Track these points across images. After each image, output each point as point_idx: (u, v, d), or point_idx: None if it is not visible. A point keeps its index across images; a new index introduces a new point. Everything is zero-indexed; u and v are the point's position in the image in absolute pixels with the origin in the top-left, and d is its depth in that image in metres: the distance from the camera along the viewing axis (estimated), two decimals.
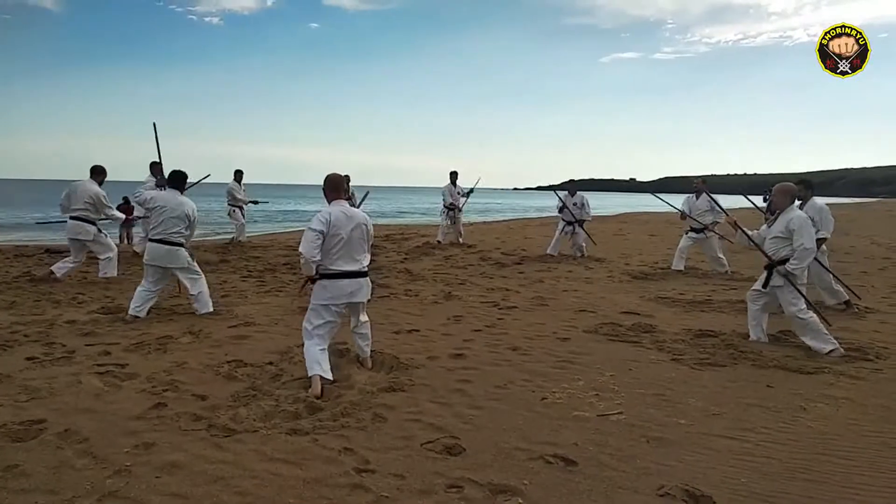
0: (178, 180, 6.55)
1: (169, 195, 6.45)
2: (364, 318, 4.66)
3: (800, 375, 4.76)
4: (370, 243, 4.55)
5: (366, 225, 4.44)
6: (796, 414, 3.97)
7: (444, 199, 14.33)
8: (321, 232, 4.25)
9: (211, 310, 6.58)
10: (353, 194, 13.06)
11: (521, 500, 2.84)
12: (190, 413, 3.76)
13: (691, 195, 10.36)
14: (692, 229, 10.23)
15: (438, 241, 14.26)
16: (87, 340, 5.41)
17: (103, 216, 8.57)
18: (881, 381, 4.67)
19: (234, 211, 13.71)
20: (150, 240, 6.37)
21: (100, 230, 8.55)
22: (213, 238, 16.68)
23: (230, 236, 13.84)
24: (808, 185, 7.22)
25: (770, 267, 5.56)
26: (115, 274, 8.64)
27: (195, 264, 6.62)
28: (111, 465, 3.07)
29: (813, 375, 4.75)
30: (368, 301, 4.62)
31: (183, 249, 6.43)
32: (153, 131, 7.58)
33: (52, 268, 8.40)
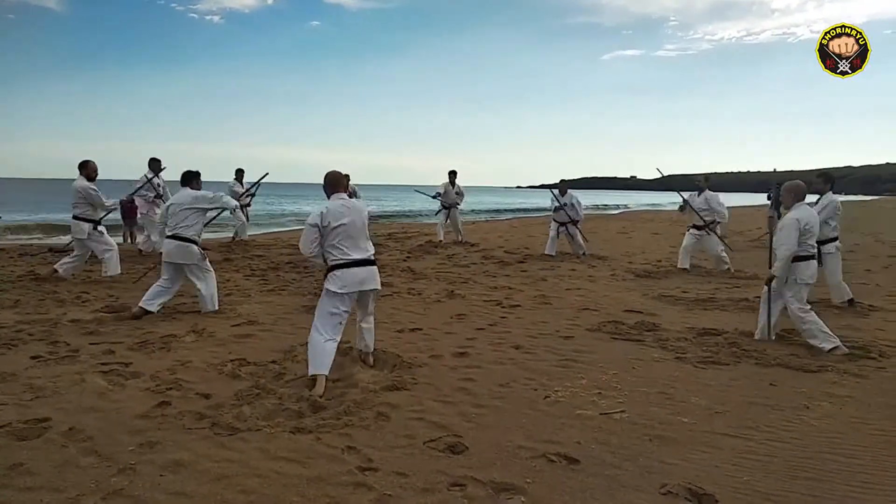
0: (189, 178, 6.82)
1: (181, 192, 6.72)
2: (371, 310, 4.74)
3: (803, 374, 4.75)
4: (368, 231, 4.62)
5: (364, 213, 4.55)
6: (800, 412, 3.97)
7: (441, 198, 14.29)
8: (316, 226, 4.39)
9: (216, 308, 6.68)
10: (354, 192, 13.16)
11: (523, 499, 2.84)
12: (194, 412, 3.77)
13: (694, 192, 10.33)
14: (694, 226, 10.22)
15: (440, 241, 14.27)
16: (92, 339, 5.43)
17: (102, 210, 8.48)
18: (885, 379, 4.66)
19: (235, 210, 13.74)
20: (166, 237, 6.64)
21: (96, 227, 8.44)
22: (215, 237, 16.70)
23: (232, 234, 13.87)
24: (828, 178, 7.14)
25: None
26: (119, 272, 8.62)
27: (207, 262, 6.74)
28: (116, 464, 3.08)
29: (816, 374, 4.74)
30: (377, 292, 4.66)
31: (194, 246, 6.58)
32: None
33: (55, 266, 8.40)
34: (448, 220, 14.36)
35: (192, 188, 6.76)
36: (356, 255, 4.42)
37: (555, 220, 12.29)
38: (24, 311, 6.51)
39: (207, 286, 6.68)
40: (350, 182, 13.62)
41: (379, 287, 4.60)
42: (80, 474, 2.98)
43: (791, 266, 5.42)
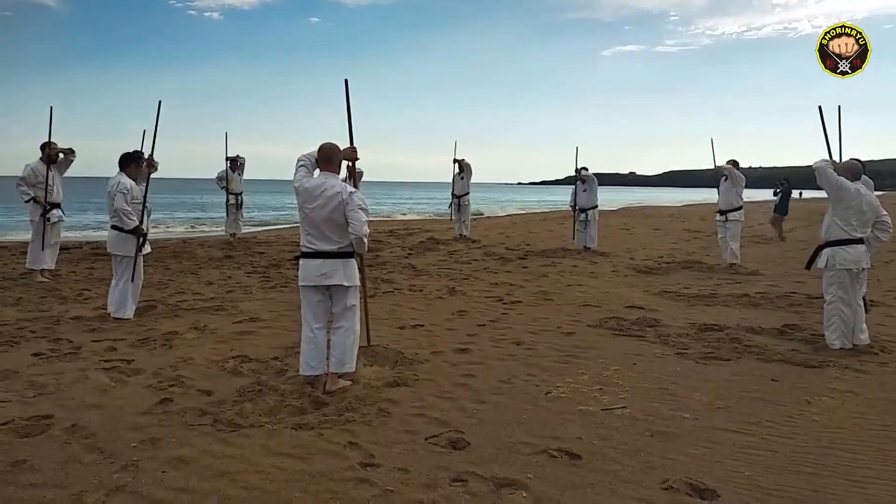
0: (124, 161, 6.17)
1: (116, 177, 6.12)
2: (342, 312, 4.15)
3: (804, 369, 4.75)
4: (350, 216, 3.96)
5: (342, 197, 3.95)
6: (801, 407, 3.97)
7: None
8: (305, 171, 4.08)
9: (122, 317, 5.98)
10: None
11: (525, 494, 2.85)
12: (196, 408, 3.78)
13: (723, 179, 10.36)
14: (720, 212, 10.28)
15: (460, 234, 14.48)
16: (94, 336, 5.44)
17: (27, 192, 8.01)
18: (886, 374, 4.66)
19: (230, 204, 13.42)
20: (111, 227, 6.24)
21: (43, 215, 7.99)
22: (216, 234, 16.71)
23: (231, 232, 13.80)
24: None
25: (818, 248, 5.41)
26: (30, 266, 8.15)
27: (139, 263, 6.14)
28: (118, 460, 3.09)
29: (818, 369, 4.75)
30: (350, 288, 4.13)
31: (129, 237, 6.04)
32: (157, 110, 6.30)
33: (40, 268, 8.11)
34: (459, 211, 14.47)
35: (128, 174, 6.07)
36: (321, 246, 4.02)
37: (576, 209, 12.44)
38: (26, 308, 6.53)
39: (121, 286, 6.02)
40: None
41: (344, 284, 4.06)
42: (82, 471, 2.99)
43: (832, 251, 5.23)
